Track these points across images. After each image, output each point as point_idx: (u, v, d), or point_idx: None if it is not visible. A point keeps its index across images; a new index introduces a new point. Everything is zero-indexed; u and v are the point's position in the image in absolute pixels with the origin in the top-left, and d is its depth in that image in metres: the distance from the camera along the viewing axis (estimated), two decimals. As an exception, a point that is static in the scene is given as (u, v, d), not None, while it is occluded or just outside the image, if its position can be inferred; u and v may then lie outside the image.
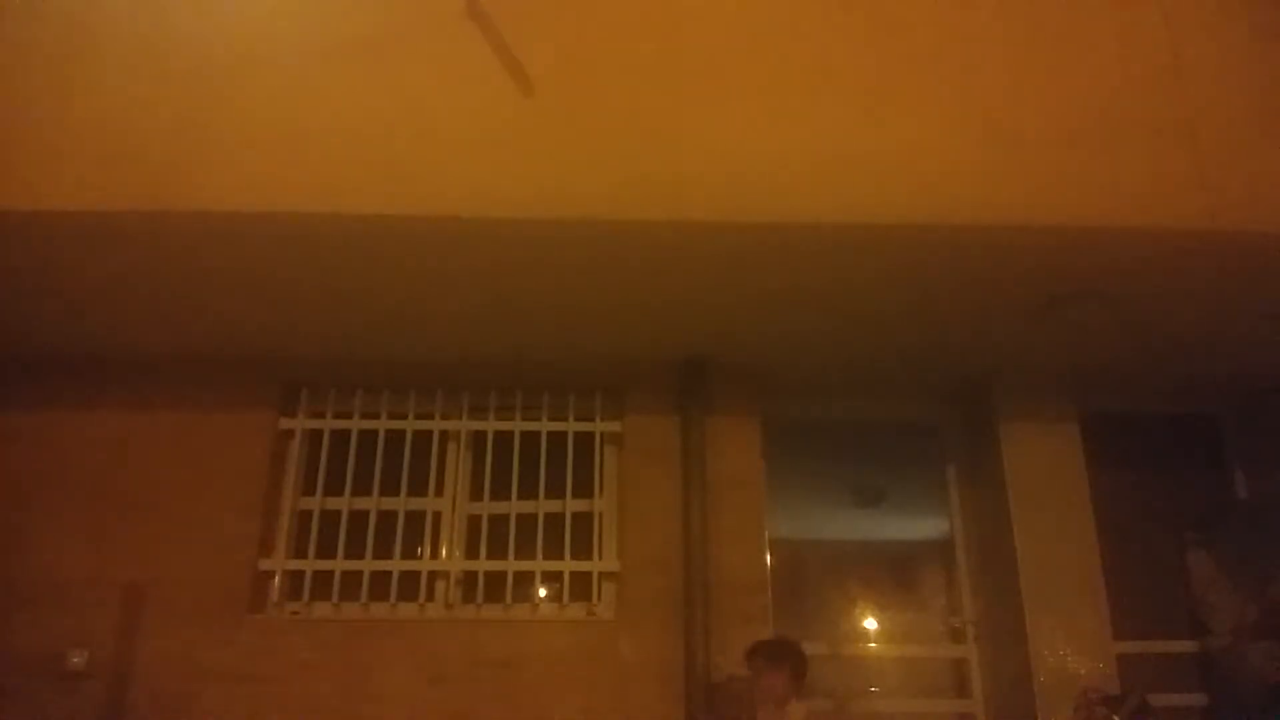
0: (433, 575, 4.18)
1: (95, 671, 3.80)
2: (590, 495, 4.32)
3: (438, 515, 4.29)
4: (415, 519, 4.27)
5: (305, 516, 4.25)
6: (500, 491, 4.31)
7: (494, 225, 3.18)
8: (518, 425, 4.41)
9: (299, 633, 3.95)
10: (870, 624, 4.63)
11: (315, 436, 4.40)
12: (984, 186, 3.18)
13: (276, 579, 4.12)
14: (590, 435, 4.42)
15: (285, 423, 4.35)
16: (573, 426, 4.42)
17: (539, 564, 4.17)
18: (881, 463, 4.86)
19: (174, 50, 3.29)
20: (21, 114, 3.20)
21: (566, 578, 4.14)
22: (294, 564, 4.15)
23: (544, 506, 4.29)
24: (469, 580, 4.17)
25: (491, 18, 3.26)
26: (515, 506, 4.27)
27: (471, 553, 4.22)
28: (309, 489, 4.30)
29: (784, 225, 3.19)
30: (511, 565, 4.18)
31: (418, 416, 4.42)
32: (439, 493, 4.32)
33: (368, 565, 4.13)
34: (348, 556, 4.15)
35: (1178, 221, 3.17)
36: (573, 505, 4.27)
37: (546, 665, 3.91)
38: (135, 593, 3.92)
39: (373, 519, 4.22)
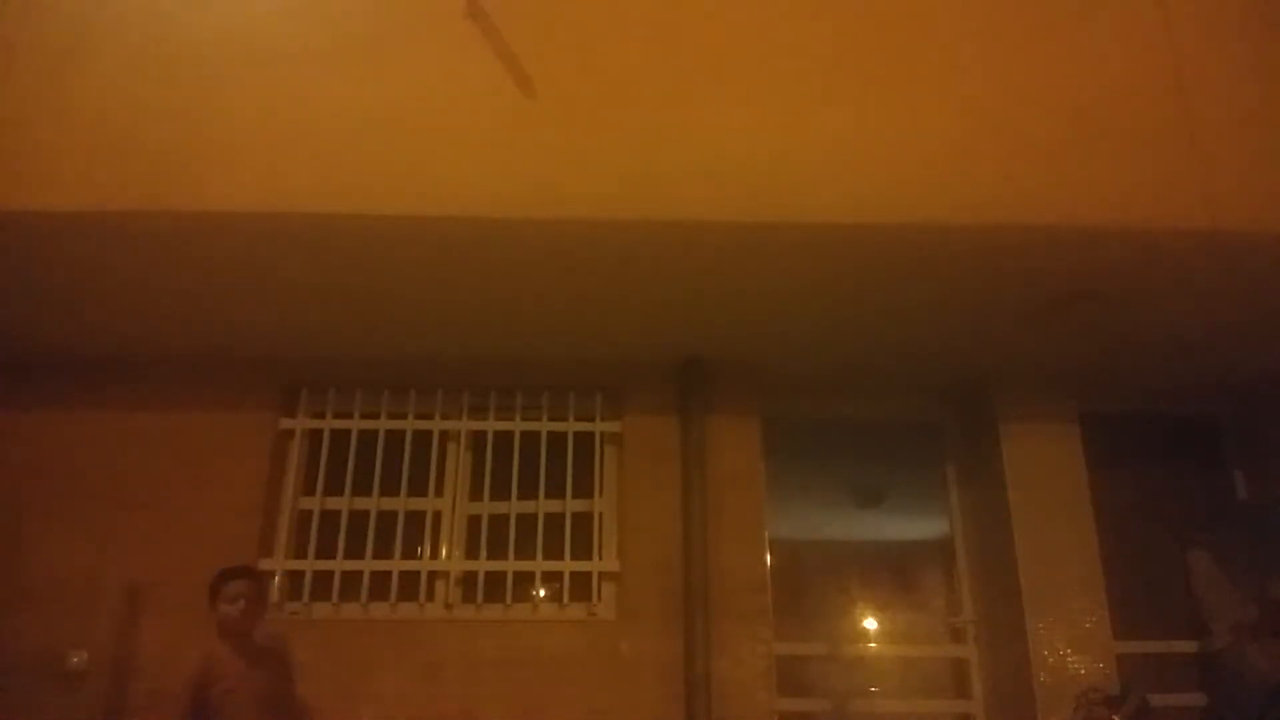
0: (432, 575, 4.18)
1: (95, 671, 3.80)
2: (590, 495, 4.32)
3: (438, 515, 4.29)
4: (415, 519, 4.27)
5: (305, 516, 4.25)
6: (500, 491, 4.31)
7: (494, 225, 3.18)
8: (518, 425, 4.41)
9: (299, 633, 3.93)
10: (870, 624, 4.62)
11: (315, 436, 4.40)
12: (984, 187, 3.18)
13: (276, 579, 4.12)
14: (590, 435, 4.42)
15: (285, 423, 4.35)
16: (573, 426, 4.42)
17: (539, 564, 4.17)
18: (881, 463, 4.86)
19: (174, 50, 3.29)
20: (21, 114, 3.20)
21: (566, 578, 4.14)
22: (294, 564, 4.15)
23: (544, 506, 4.29)
24: (469, 580, 4.17)
25: (491, 18, 3.27)
26: (515, 506, 4.27)
27: (471, 553, 4.22)
28: (309, 489, 4.30)
29: (784, 225, 3.19)
30: (511, 565, 4.17)
31: (418, 416, 4.42)
32: (439, 493, 4.32)
33: (368, 565, 4.13)
34: (348, 557, 4.15)
35: (1178, 221, 3.17)
36: (573, 505, 4.27)
37: (546, 665, 3.90)
38: (135, 593, 3.92)
39: (373, 519, 4.22)
